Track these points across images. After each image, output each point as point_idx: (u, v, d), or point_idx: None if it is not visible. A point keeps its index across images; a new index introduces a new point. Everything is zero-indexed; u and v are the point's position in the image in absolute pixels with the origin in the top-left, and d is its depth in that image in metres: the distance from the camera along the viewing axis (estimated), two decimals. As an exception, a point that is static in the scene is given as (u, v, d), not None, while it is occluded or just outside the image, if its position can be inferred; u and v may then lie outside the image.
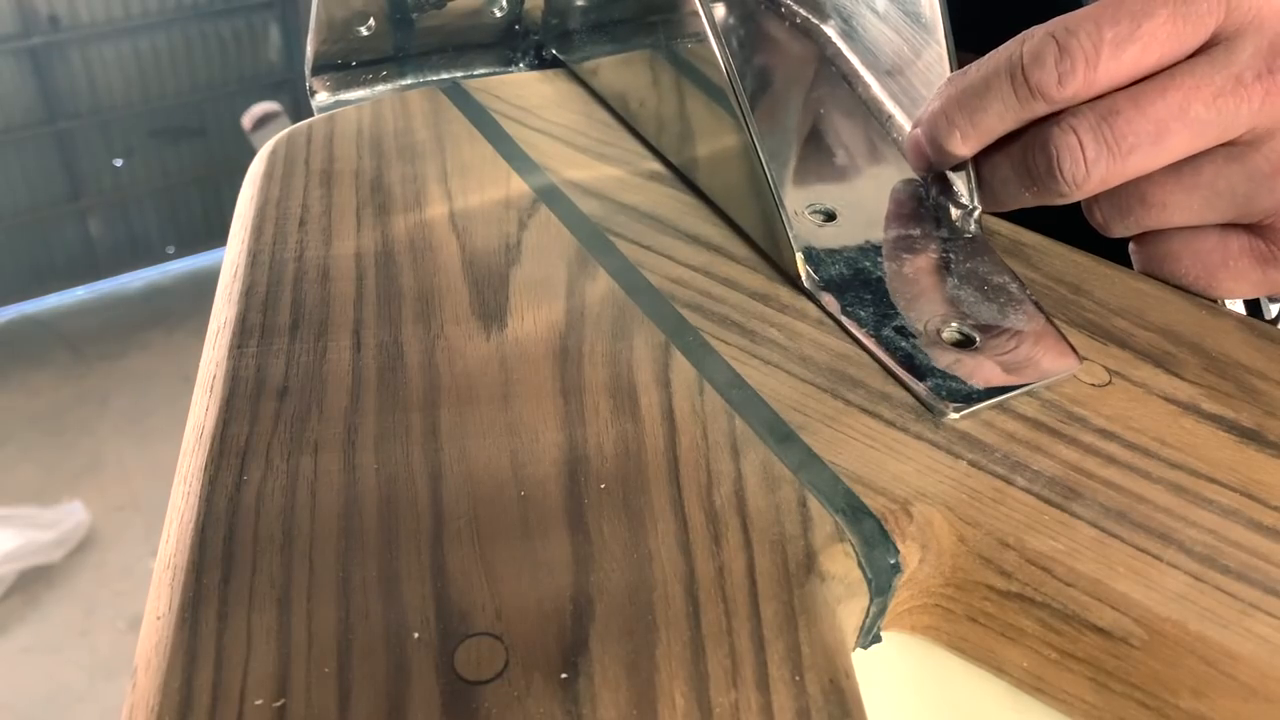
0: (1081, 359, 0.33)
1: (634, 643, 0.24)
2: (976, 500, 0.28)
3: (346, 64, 0.46)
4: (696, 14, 0.37)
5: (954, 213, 0.38)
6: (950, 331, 0.34)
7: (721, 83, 0.37)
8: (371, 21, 0.46)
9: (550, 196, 0.40)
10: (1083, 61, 0.32)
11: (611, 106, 0.46)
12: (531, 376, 0.31)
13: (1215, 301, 0.37)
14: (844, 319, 0.34)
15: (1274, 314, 0.44)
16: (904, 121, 0.41)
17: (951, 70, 0.38)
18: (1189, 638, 0.26)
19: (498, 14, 0.49)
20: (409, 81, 0.47)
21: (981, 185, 0.37)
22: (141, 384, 2.06)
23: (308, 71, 0.46)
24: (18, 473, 1.85)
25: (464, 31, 0.48)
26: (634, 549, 0.26)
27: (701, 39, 0.37)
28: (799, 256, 0.36)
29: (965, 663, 0.30)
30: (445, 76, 0.48)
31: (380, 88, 0.47)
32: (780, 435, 0.30)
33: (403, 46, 0.47)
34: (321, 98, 0.46)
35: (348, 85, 0.46)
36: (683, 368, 0.32)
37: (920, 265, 0.36)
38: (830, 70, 0.45)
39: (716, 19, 0.47)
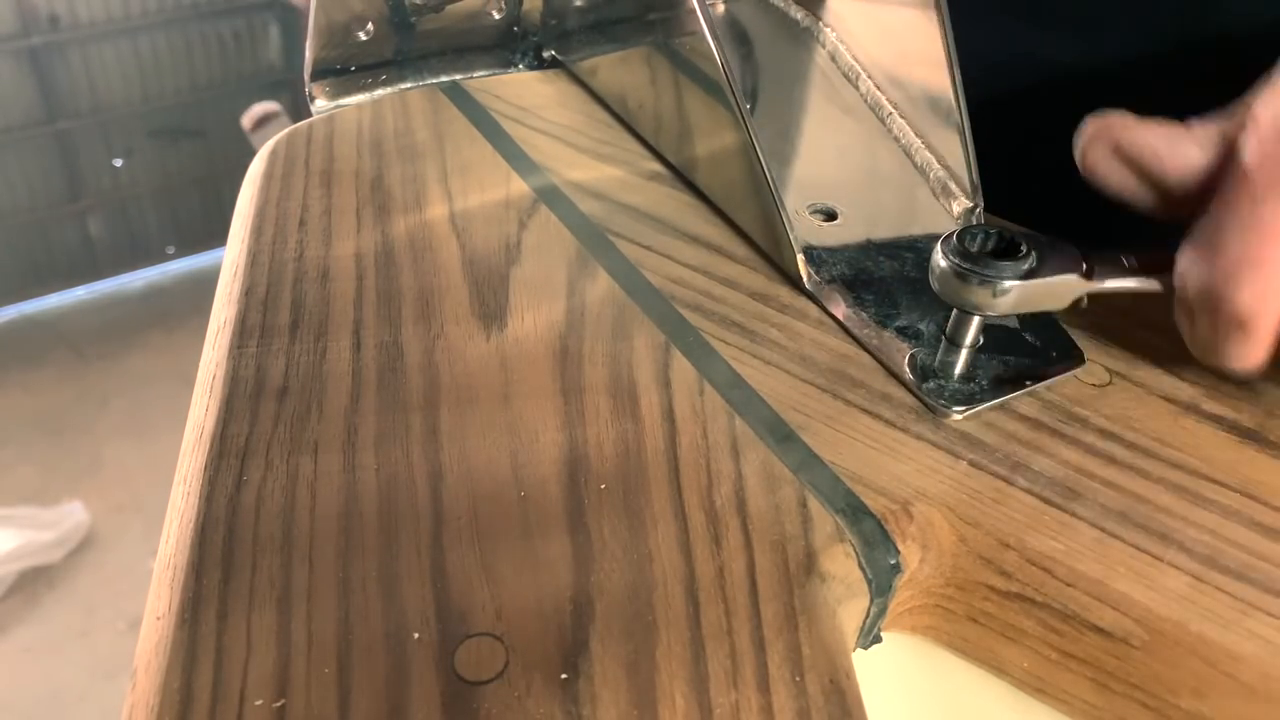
0: (1084, 359, 0.33)
1: (634, 643, 0.24)
2: (977, 500, 0.28)
3: (346, 69, 0.46)
4: (694, 12, 0.37)
5: (955, 210, 0.38)
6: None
7: (719, 80, 0.36)
8: (370, 26, 0.46)
9: (550, 196, 0.40)
10: None
11: (611, 107, 0.46)
12: (531, 376, 0.31)
13: None
14: (845, 319, 0.34)
15: None
16: (904, 119, 0.41)
17: (952, 68, 0.38)
18: (1189, 638, 0.25)
19: (496, 16, 0.48)
20: (408, 85, 0.47)
21: None
22: (141, 384, 2.06)
23: (307, 77, 0.46)
24: (18, 473, 1.85)
25: (463, 34, 0.48)
26: (634, 549, 0.26)
27: (699, 37, 0.37)
28: (800, 256, 0.36)
29: (966, 663, 0.30)
30: (445, 80, 0.48)
31: (380, 92, 0.47)
32: (780, 435, 0.30)
33: (402, 50, 0.47)
34: (321, 104, 0.46)
35: (347, 90, 0.46)
36: (683, 368, 0.32)
37: (923, 264, 0.36)
38: (831, 68, 0.45)
39: (715, 17, 0.47)
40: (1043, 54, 0.45)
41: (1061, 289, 0.30)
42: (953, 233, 0.30)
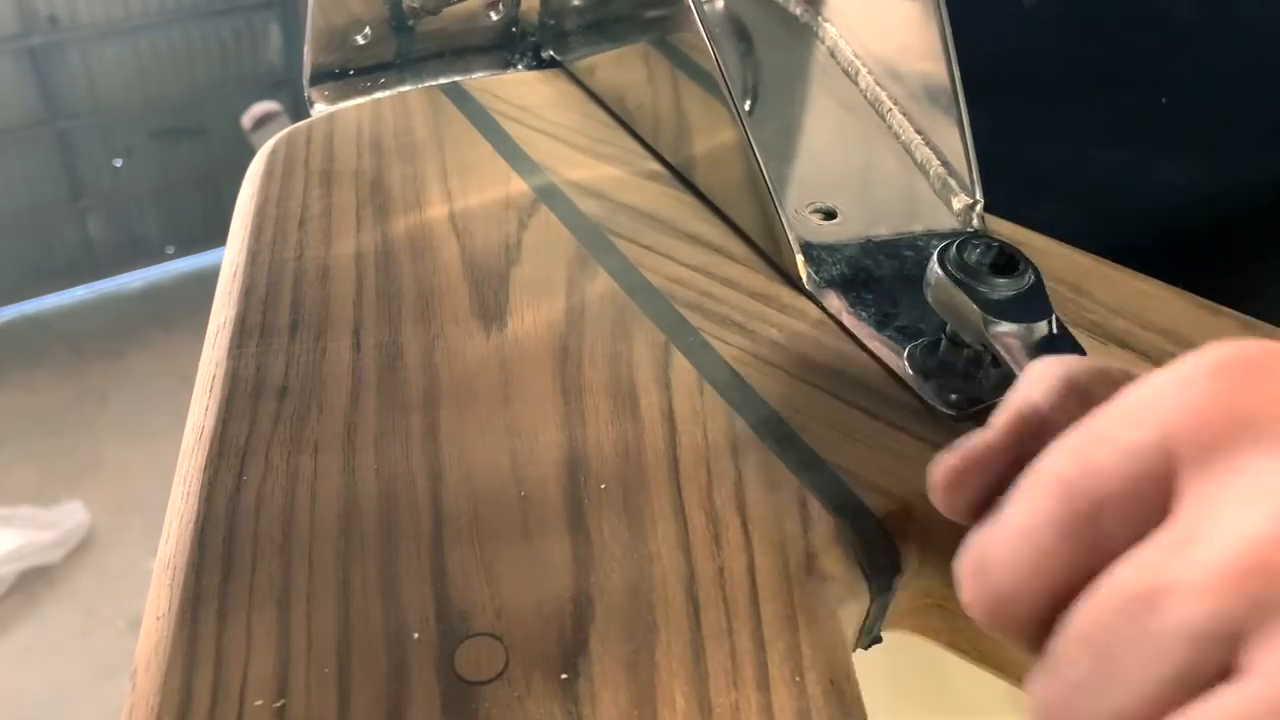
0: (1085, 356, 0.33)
1: (634, 643, 0.24)
2: (977, 500, 0.28)
3: (344, 73, 0.46)
4: (689, 10, 0.37)
5: (956, 207, 0.38)
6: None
7: (714, 78, 0.36)
8: (368, 30, 0.46)
9: (550, 196, 0.40)
10: None
11: (609, 106, 0.46)
12: (531, 376, 0.31)
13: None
14: (845, 319, 0.34)
15: None
16: (904, 115, 0.41)
17: (950, 62, 0.38)
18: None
19: (494, 17, 0.48)
20: (407, 88, 0.47)
21: None
22: (141, 383, 2.05)
23: (306, 82, 0.46)
24: (18, 473, 1.85)
25: (461, 35, 0.48)
26: (634, 549, 0.26)
27: (694, 34, 0.37)
28: (799, 256, 0.36)
29: (966, 663, 0.30)
30: (444, 81, 0.48)
31: (379, 95, 0.47)
32: (780, 435, 0.30)
33: (400, 53, 0.47)
34: (320, 109, 0.46)
35: (346, 94, 0.46)
36: (683, 368, 0.32)
37: (923, 263, 0.36)
38: (830, 64, 0.45)
39: (713, 14, 0.46)
40: (1159, 178, 0.46)
41: (972, 326, 0.29)
42: (950, 242, 0.30)
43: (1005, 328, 0.29)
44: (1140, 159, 0.46)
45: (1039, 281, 0.30)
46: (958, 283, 0.29)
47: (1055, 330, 0.29)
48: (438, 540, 0.26)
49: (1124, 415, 0.19)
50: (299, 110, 2.26)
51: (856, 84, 0.43)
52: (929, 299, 0.31)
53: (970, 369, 0.32)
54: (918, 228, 0.38)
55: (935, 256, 0.30)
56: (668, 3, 0.39)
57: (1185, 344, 0.34)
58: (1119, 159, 0.46)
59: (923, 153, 0.40)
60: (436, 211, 0.38)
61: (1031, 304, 0.29)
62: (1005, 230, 0.39)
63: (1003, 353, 0.29)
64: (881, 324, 0.34)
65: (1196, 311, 0.36)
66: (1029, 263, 0.30)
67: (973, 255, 0.30)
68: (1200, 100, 0.44)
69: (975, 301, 0.29)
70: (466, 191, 0.40)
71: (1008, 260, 0.30)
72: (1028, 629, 0.20)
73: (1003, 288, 0.29)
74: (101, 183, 2.24)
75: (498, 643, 0.24)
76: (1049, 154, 0.46)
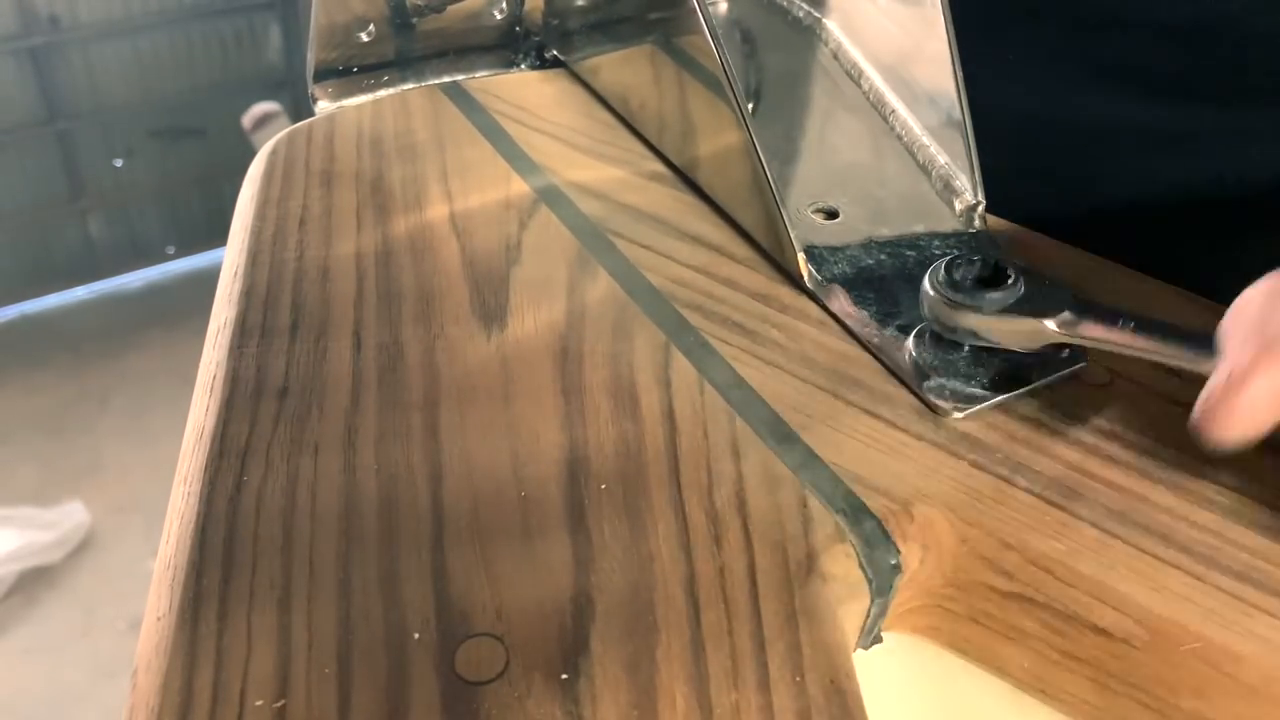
0: (1085, 358, 0.33)
1: (634, 643, 0.24)
2: (978, 501, 0.28)
3: (348, 70, 0.46)
4: (694, 12, 0.37)
5: (958, 207, 0.38)
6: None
7: (720, 79, 0.36)
8: (371, 27, 0.46)
9: (551, 197, 0.40)
10: None
11: (612, 106, 0.46)
12: (532, 377, 0.31)
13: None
14: (846, 319, 0.34)
15: None
16: (907, 116, 0.41)
17: (954, 64, 0.38)
18: (1190, 638, 0.25)
19: (498, 16, 0.48)
20: (410, 86, 0.47)
21: None
22: (141, 384, 2.05)
23: (309, 79, 0.46)
24: (18, 473, 1.85)
25: (465, 34, 0.48)
26: (634, 549, 0.26)
27: (700, 36, 0.37)
28: (800, 256, 0.36)
29: (966, 663, 0.30)
30: (447, 80, 0.48)
31: (382, 93, 0.47)
32: (781, 435, 0.30)
33: (403, 51, 0.47)
34: (323, 105, 0.46)
35: (349, 92, 0.46)
36: (683, 368, 0.32)
37: (925, 263, 0.36)
38: (833, 65, 0.45)
39: (717, 15, 0.47)
40: (1095, 109, 0.45)
41: (1027, 330, 0.30)
42: (942, 260, 0.31)
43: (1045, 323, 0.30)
44: (1117, 100, 0.45)
45: (1034, 288, 0.30)
46: (951, 303, 0.30)
47: (1081, 303, 0.30)
48: (438, 540, 0.26)
49: None
50: (299, 110, 2.26)
51: (860, 86, 0.44)
52: (925, 313, 0.32)
53: (971, 369, 0.32)
54: (920, 228, 0.38)
55: (926, 279, 0.31)
56: (673, 4, 0.39)
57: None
58: (1099, 99, 0.45)
59: (925, 154, 0.40)
60: (437, 212, 0.38)
61: (1051, 297, 0.30)
62: (1007, 230, 0.39)
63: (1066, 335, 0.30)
64: (883, 323, 0.34)
65: (1198, 311, 0.36)
66: (1018, 271, 0.30)
67: (959, 273, 0.31)
68: (1166, 48, 0.43)
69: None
70: (467, 192, 0.40)
71: (995, 273, 0.30)
72: None
73: (994, 302, 0.30)
74: (102, 183, 2.24)
75: (498, 643, 0.24)
76: (1030, 94, 0.45)
